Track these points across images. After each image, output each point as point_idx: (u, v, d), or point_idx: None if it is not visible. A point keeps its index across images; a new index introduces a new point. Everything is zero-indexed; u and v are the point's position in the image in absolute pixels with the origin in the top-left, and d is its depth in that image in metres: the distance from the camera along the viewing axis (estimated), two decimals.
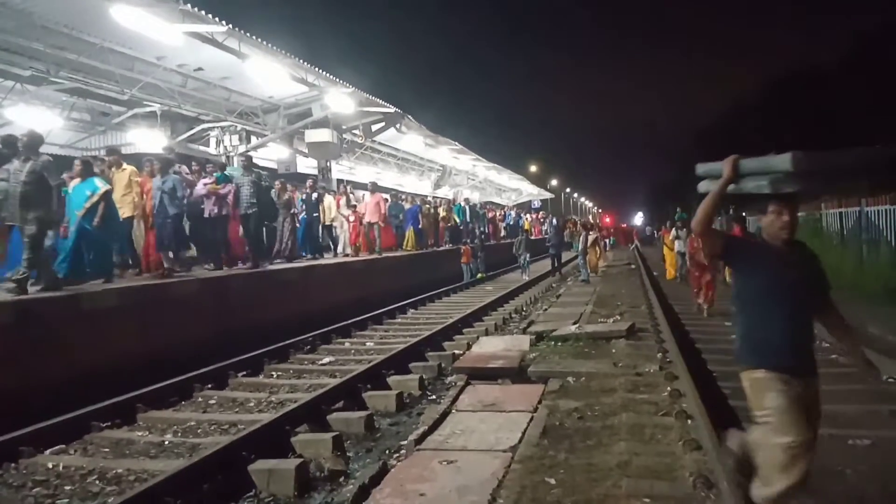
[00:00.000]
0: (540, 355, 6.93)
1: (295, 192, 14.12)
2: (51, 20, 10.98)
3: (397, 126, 20.68)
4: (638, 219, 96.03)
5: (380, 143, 24.24)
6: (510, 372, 6.33)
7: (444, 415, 4.97)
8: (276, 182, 12.75)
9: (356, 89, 16.85)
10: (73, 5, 10.54)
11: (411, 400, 6.37)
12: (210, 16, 11.09)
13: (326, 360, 8.25)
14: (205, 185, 10.45)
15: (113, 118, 16.48)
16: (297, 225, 13.48)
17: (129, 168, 9.32)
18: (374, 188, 15.89)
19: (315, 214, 14.02)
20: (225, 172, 10.84)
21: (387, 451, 4.92)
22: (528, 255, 19.71)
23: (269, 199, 11.09)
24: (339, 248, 15.13)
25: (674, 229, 16.37)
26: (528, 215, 38.62)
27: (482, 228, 24.75)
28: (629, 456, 3.80)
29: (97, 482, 4.42)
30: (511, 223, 31.07)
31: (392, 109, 18.96)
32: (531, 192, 51.91)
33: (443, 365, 7.50)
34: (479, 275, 19.31)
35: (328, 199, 15.09)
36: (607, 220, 70.96)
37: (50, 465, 4.72)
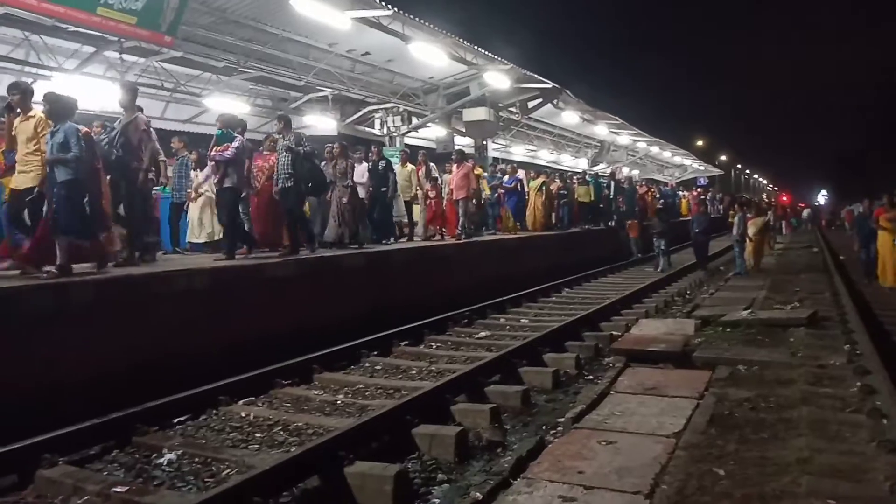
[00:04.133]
0: (706, 341, 6.56)
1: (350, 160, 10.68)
2: (241, 14, 12.12)
3: (554, 102, 20.34)
4: (821, 197, 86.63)
5: (535, 120, 24.00)
6: (672, 356, 6.07)
7: (603, 395, 4.89)
8: (335, 145, 10.48)
9: (514, 66, 16.81)
10: (259, 0, 11.54)
11: (567, 378, 6.34)
12: (377, 0, 11.58)
13: (482, 334, 8.44)
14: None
15: (290, 103, 17.88)
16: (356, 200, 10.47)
17: (37, 114, 6.23)
18: (461, 157, 12.92)
19: (383, 189, 11.17)
20: (225, 130, 8.41)
21: (543, 427, 4.96)
22: (662, 242, 15.15)
23: (311, 169, 8.92)
24: (418, 230, 12.86)
25: None
26: (686, 193, 33.01)
27: (633, 206, 20.38)
28: (810, 452, 3.50)
29: (281, 432, 4.92)
30: (669, 201, 27.16)
31: (549, 85, 18.67)
32: (697, 168, 48.71)
33: (600, 345, 7.36)
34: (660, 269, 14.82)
35: (407, 169, 12.62)
36: (784, 198, 64.57)
37: (243, 414, 5.32)
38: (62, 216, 5.97)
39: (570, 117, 23.66)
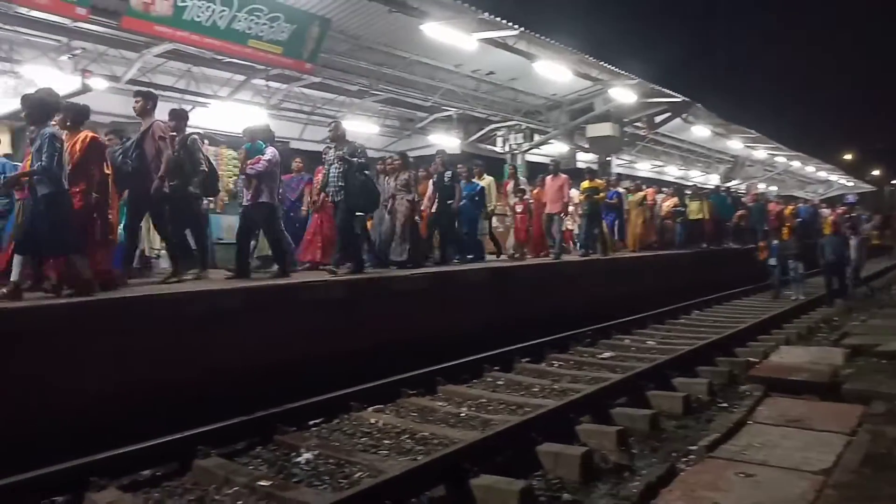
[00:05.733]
0: (857, 372, 6.00)
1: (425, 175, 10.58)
2: (374, 41, 12.80)
3: (683, 116, 19.63)
4: None
5: (662, 134, 23.20)
6: (818, 387, 5.61)
7: (740, 424, 4.62)
8: (388, 160, 9.91)
9: (640, 80, 16.41)
10: (391, 26, 12.13)
11: (699, 405, 6.05)
12: (504, 21, 11.80)
13: (606, 354, 8.25)
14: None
15: (416, 123, 18.54)
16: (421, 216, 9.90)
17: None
18: (557, 168, 12.03)
19: (449, 202, 10.15)
20: (257, 141, 7.78)
21: (673, 454, 4.77)
22: (799, 266, 13.08)
23: (364, 183, 8.01)
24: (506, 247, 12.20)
25: None
26: (829, 211, 30.21)
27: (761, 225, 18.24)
28: None
29: (408, 440, 5.10)
30: (807, 220, 24.19)
31: (678, 99, 18.02)
32: (844, 184, 44.68)
33: (735, 372, 6.96)
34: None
35: (485, 181, 11.48)
36: None
37: (372, 421, 5.57)
38: (42, 233, 5.34)
39: (700, 131, 22.68)
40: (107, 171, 6.11)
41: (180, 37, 10.32)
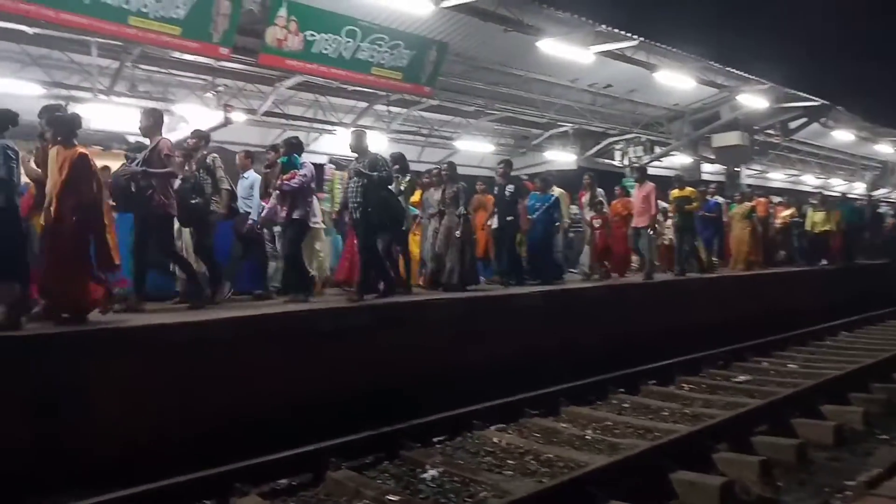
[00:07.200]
0: None
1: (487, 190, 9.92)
2: (489, 61, 12.98)
3: (821, 120, 18.17)
4: None
5: (798, 141, 21.59)
6: None
7: None
8: (440, 168, 8.92)
9: (772, 85, 15.41)
10: (506, 45, 12.25)
11: (853, 435, 5.49)
12: (623, 32, 11.55)
13: (742, 378, 7.72)
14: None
15: (531, 140, 18.50)
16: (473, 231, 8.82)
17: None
18: (643, 175, 10.57)
19: (509, 218, 9.27)
20: (293, 155, 7.31)
21: (825, 489, 4.35)
22: None
23: (386, 199, 7.34)
24: (578, 267, 11.05)
25: None
26: None
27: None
28: None
29: (532, 462, 5.01)
30: None
31: (816, 102, 16.73)
32: None
33: (895, 401, 6.26)
34: None
35: (556, 192, 10.24)
36: None
37: (495, 440, 5.54)
38: None
39: (841, 136, 20.90)
40: (97, 191, 5.44)
41: (310, 69, 11.03)
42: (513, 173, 9.90)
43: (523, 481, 4.54)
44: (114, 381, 4.92)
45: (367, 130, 8.01)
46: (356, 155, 7.44)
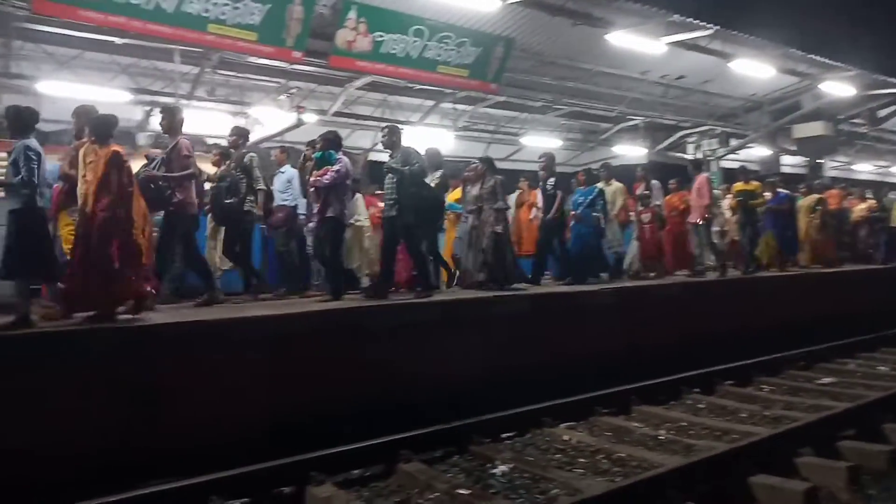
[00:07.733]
0: None
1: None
2: (556, 55, 12.85)
3: None
4: None
5: (888, 131, 20.31)
6: None
7: None
8: (475, 165, 8.34)
9: (860, 71, 14.56)
10: (574, 39, 12.10)
11: None
12: (696, 21, 11.20)
13: (826, 380, 7.35)
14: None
15: (600, 135, 18.17)
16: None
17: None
18: (698, 167, 10.07)
19: (549, 214, 8.80)
20: (329, 151, 7.04)
21: None
22: None
23: (417, 194, 7.01)
24: (626, 263, 10.09)
25: None
26: None
27: None
28: None
29: (604, 461, 4.95)
30: None
31: None
32: None
33: None
34: None
35: (612, 188, 9.72)
36: None
37: (565, 438, 5.50)
38: (13, 254, 4.93)
39: None
40: (129, 188, 5.42)
41: (378, 69, 11.24)
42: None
43: (595, 480, 4.49)
44: (207, 371, 5.19)
45: (400, 126, 7.74)
46: (389, 152, 7.29)
